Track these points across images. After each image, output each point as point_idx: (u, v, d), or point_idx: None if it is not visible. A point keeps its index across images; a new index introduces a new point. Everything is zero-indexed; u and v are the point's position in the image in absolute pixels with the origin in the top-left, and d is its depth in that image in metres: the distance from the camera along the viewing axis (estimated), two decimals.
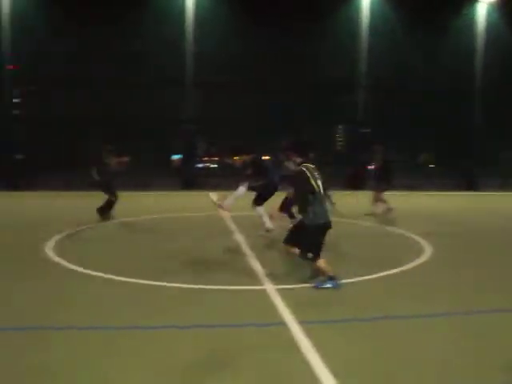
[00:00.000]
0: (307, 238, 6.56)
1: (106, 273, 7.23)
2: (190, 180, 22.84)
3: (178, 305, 5.95)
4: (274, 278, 7.05)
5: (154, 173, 22.26)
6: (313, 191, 6.42)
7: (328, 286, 6.53)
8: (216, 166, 25.75)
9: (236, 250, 9.19)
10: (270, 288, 6.58)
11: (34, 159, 22.06)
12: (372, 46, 23.60)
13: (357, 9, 23.77)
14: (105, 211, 12.45)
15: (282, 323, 5.29)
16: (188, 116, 22.83)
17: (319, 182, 6.48)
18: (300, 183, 6.52)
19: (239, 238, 10.37)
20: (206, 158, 26.06)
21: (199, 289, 6.56)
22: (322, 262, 6.54)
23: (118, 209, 12.73)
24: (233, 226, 11.71)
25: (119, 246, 9.73)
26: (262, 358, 4.50)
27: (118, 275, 7.10)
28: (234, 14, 20.68)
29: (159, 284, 6.75)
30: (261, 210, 10.24)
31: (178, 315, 5.58)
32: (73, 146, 21.44)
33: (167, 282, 6.82)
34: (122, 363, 4.36)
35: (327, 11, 22.16)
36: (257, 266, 7.80)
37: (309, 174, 6.44)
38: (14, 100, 22.79)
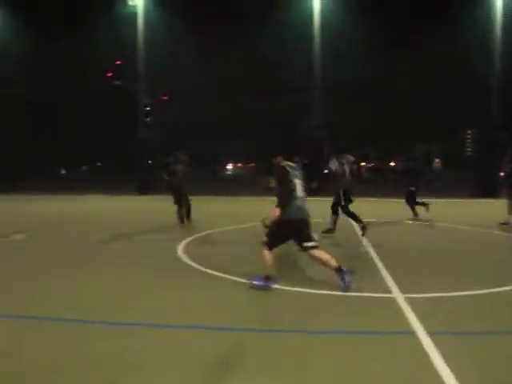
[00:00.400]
0: (273, 227, 6.76)
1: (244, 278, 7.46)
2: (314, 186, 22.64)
3: (310, 311, 5.98)
4: (403, 285, 6.88)
5: None
6: (291, 188, 6.72)
7: (256, 283, 6.75)
8: None
9: (364, 257, 9.08)
10: (398, 296, 6.43)
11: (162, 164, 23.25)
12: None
13: None
14: None
15: (410, 332, 5.15)
16: (317, 122, 22.81)
17: (297, 181, 6.80)
18: (281, 179, 6.82)
19: (367, 244, 10.23)
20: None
21: (329, 295, 6.56)
22: (267, 255, 6.72)
23: (248, 213, 13.05)
24: (360, 233, 11.58)
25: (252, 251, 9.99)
26: (390, 366, 4.42)
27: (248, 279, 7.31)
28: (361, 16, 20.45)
29: (295, 290, 6.79)
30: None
31: (308, 321, 5.61)
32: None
33: (300, 287, 6.85)
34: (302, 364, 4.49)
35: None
36: (385, 273, 7.67)
37: (289, 172, 6.79)
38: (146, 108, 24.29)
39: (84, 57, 24.19)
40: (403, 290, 6.69)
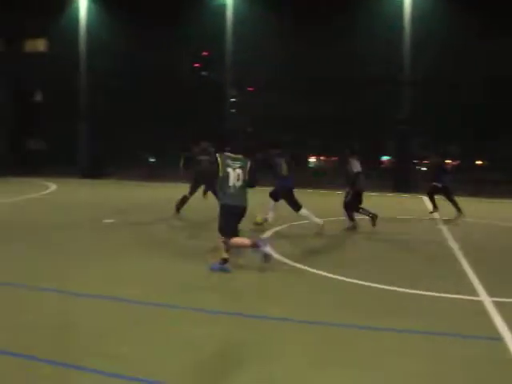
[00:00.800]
0: (219, 217, 7.64)
1: (335, 273, 7.49)
2: (402, 182, 22.14)
3: (395, 309, 5.96)
4: (491, 289, 6.66)
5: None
6: (222, 176, 7.50)
7: (214, 267, 7.39)
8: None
9: (450, 257, 8.85)
10: (485, 299, 6.24)
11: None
12: None
13: None
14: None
15: (496, 338, 5.00)
16: (403, 116, 22.28)
17: (229, 170, 7.48)
18: (215, 168, 7.64)
19: (453, 245, 9.94)
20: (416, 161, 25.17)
21: (415, 294, 6.50)
22: (222, 243, 7.47)
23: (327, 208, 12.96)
24: (444, 231, 11.28)
25: (338, 245, 9.98)
26: (470, 372, 4.32)
27: (336, 274, 7.32)
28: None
29: (378, 286, 6.78)
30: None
31: (396, 319, 5.57)
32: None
33: (385, 284, 6.82)
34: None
35: None
36: (472, 275, 7.46)
37: (220, 162, 7.54)
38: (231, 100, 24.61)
39: (174, 48, 24.80)
40: (491, 293, 6.48)
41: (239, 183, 7.55)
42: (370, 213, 11.41)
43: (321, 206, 14.03)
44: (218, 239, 7.63)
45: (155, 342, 4.78)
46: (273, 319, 5.45)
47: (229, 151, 7.77)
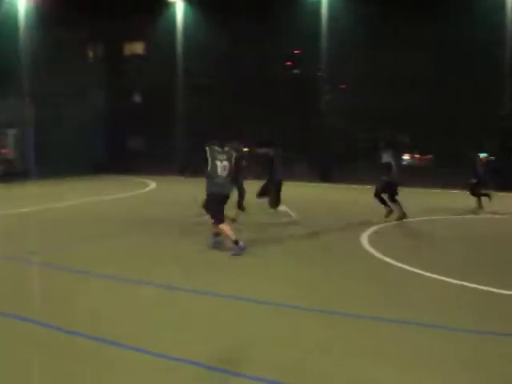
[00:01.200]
0: (208, 205, 8.91)
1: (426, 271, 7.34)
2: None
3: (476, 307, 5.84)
4: None
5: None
6: (210, 167, 8.48)
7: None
8: None
9: None
10: None
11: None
12: None
13: None
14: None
15: None
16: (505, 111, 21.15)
17: (217, 162, 8.45)
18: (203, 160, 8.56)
19: None
20: None
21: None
22: (223, 228, 8.49)
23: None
24: None
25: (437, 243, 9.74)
26: None
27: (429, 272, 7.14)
28: None
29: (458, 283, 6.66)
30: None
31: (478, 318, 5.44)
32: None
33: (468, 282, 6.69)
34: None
35: None
36: None
37: (208, 154, 8.53)
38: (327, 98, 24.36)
39: (266, 47, 24.91)
40: None
41: (225, 173, 8.51)
42: (401, 209, 11.53)
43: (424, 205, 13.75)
44: (213, 225, 8.66)
45: None
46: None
47: (216, 145, 8.71)
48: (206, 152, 8.55)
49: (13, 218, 12.23)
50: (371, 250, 8.69)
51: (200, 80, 25.58)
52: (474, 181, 13.48)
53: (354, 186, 20.12)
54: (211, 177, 8.49)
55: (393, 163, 11.61)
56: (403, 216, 11.56)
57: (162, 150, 25.90)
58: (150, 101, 27.94)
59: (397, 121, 22.68)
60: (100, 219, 12.25)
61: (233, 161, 8.63)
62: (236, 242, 8.28)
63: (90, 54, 30.20)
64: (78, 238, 9.92)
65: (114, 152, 27.03)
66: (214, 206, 8.57)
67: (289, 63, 30.12)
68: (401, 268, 7.54)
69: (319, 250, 9.02)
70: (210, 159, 8.47)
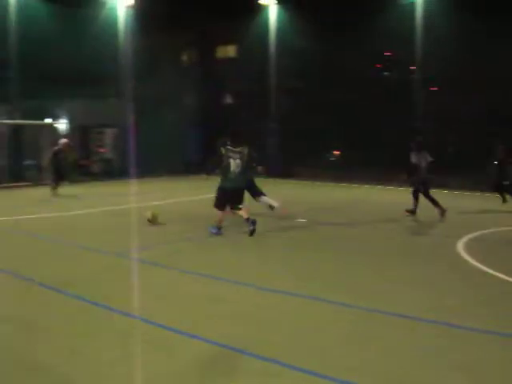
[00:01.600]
0: (216, 194, 10.16)
1: None
2: None
3: None
4: None
5: None
6: (225, 164, 9.93)
7: (212, 231, 10.02)
8: None
9: None
10: None
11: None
12: None
13: None
14: None
15: None
16: None
17: (231, 160, 9.85)
18: (220, 158, 10.01)
19: None
20: None
21: None
22: (220, 214, 10.03)
23: None
24: None
25: None
26: None
27: None
28: None
29: None
30: None
31: None
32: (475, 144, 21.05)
33: None
34: None
35: None
36: None
37: (224, 153, 9.96)
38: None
39: (360, 48, 24.66)
40: None
41: (238, 170, 9.87)
42: (438, 207, 12.35)
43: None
44: (219, 213, 9.97)
45: None
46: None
47: (229, 145, 9.96)
48: (221, 151, 9.95)
49: (135, 212, 12.74)
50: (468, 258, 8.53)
51: (292, 82, 25.76)
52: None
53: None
54: (225, 173, 9.94)
55: (421, 164, 12.42)
56: (413, 212, 12.64)
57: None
58: (241, 103, 28.50)
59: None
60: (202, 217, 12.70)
61: (245, 159, 9.98)
62: (247, 220, 9.77)
63: (185, 58, 31.16)
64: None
65: (207, 153, 27.70)
66: (223, 196, 9.96)
67: (379, 65, 29.72)
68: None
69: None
70: (225, 157, 9.88)
